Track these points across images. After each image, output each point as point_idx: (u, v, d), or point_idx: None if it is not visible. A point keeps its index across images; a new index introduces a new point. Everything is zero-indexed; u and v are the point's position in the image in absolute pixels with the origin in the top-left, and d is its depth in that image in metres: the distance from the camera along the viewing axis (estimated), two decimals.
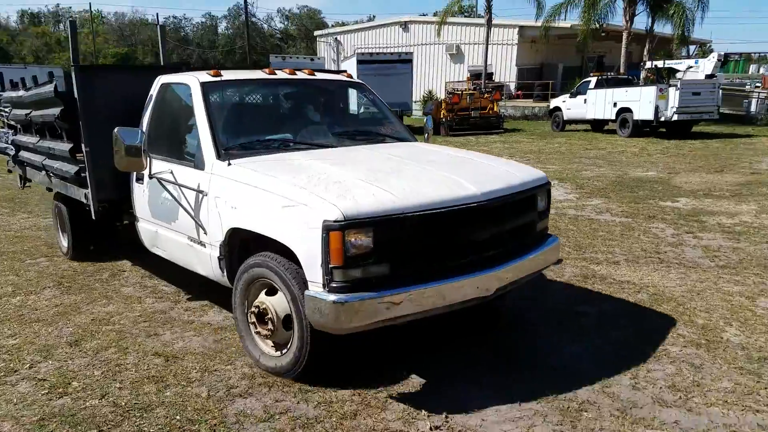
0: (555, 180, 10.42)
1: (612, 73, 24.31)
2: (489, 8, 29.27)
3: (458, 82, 33.43)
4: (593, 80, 21.40)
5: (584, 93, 21.12)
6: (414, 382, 3.53)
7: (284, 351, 3.52)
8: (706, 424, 3.06)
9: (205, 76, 4.32)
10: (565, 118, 22.10)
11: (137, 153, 3.86)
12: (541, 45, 34.23)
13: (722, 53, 23.45)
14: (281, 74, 4.75)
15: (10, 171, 7.38)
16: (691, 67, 22.51)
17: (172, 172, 4.07)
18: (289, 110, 4.97)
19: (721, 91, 19.92)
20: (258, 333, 3.62)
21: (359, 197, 3.14)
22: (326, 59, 38.49)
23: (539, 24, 29.31)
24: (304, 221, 3.11)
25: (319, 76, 5.12)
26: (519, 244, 3.75)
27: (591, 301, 4.76)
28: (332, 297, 3.00)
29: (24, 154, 6.41)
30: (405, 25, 39.07)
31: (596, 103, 20.35)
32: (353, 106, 5.46)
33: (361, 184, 3.35)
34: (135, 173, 4.55)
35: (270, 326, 3.49)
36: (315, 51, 45.07)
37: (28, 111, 5.92)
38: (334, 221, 2.96)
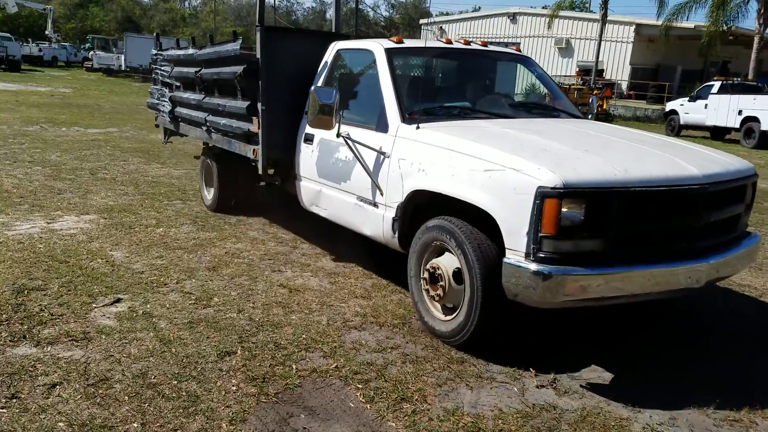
0: None
1: (738, 79, 22.68)
2: (605, 3, 28.33)
3: (565, 76, 32.45)
4: (717, 84, 20.01)
5: (705, 97, 19.78)
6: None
7: (453, 316, 3.47)
8: None
9: (388, 43, 4.43)
10: (681, 123, 20.83)
11: (330, 112, 3.92)
12: (659, 45, 32.58)
13: None
14: (457, 45, 4.86)
15: (157, 126, 7.82)
16: None
17: (349, 135, 4.13)
18: (465, 79, 5.09)
19: None
20: (431, 296, 3.58)
21: (578, 166, 3.07)
22: None
23: (659, 23, 27.90)
24: (511, 186, 3.04)
25: (492, 48, 5.22)
26: (728, 237, 3.56)
27: None
28: (541, 267, 2.90)
29: (182, 111, 6.60)
30: (513, 17, 38.68)
31: (718, 108, 19.03)
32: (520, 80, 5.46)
33: (575, 153, 3.29)
34: (304, 134, 4.79)
35: (442, 283, 3.45)
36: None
37: (197, 69, 6.00)
38: (552, 188, 2.86)
